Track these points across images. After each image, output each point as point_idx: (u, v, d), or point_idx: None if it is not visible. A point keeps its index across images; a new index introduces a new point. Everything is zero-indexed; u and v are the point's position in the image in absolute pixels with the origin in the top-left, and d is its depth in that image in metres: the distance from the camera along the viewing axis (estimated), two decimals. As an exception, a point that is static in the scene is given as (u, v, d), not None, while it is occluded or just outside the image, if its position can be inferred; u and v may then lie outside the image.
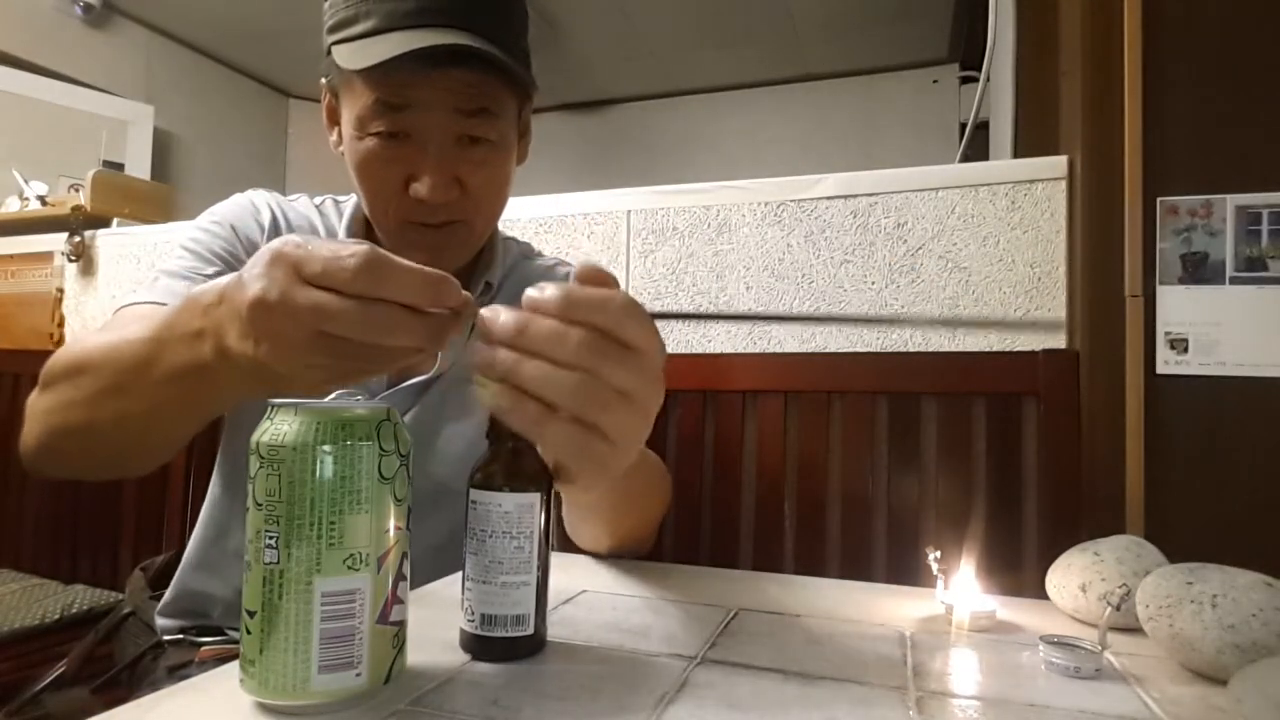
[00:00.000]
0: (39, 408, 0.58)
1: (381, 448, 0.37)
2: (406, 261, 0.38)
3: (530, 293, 0.37)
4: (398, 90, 0.67)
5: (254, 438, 0.37)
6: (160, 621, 0.82)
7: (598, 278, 0.39)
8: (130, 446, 0.57)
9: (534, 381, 0.37)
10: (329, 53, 0.70)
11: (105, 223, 1.74)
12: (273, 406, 0.38)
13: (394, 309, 0.38)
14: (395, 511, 0.38)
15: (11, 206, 2.33)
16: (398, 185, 0.70)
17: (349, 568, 0.36)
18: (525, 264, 0.89)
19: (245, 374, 0.42)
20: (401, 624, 0.39)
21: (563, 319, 0.37)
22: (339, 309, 0.37)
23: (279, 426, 0.36)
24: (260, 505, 0.36)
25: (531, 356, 0.37)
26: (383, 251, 0.38)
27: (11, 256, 1.79)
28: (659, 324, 0.40)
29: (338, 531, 0.35)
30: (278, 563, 0.35)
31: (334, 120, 0.75)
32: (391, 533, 0.38)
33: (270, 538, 0.35)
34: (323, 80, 0.75)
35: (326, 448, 0.35)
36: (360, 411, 0.37)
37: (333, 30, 0.69)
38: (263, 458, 0.36)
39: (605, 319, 0.37)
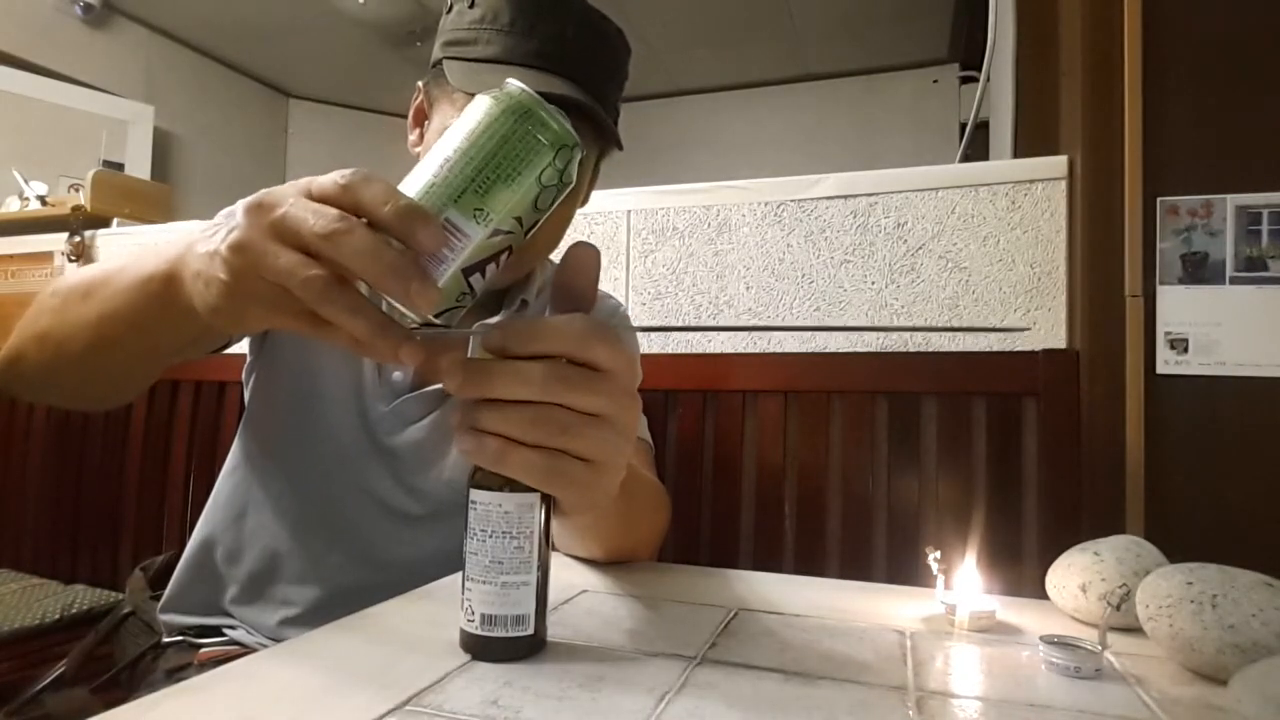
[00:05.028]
0: (22, 320, 0.63)
1: (555, 162, 0.41)
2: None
3: (487, 336, 0.39)
4: None
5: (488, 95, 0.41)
6: (162, 618, 0.82)
7: (583, 257, 0.42)
8: (79, 357, 0.60)
9: (492, 424, 0.38)
10: (439, 63, 0.73)
11: (105, 223, 1.75)
12: (502, 87, 0.42)
13: (350, 292, 0.38)
14: (525, 212, 0.41)
15: (11, 206, 2.34)
16: None
17: (474, 217, 0.40)
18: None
19: (186, 308, 0.46)
20: (468, 294, 0.42)
21: (522, 354, 0.38)
22: (297, 272, 0.37)
23: (498, 97, 0.41)
24: (455, 142, 0.41)
25: (493, 403, 0.38)
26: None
27: (11, 256, 1.79)
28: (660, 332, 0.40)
29: (485, 185, 0.40)
30: (436, 179, 0.40)
31: (418, 121, 0.79)
32: (510, 220, 0.41)
33: (447, 162, 0.40)
34: (420, 83, 0.78)
35: (525, 125, 0.40)
36: (558, 126, 0.41)
37: (449, 45, 0.73)
38: (492, 110, 0.41)
39: (565, 346, 0.38)
